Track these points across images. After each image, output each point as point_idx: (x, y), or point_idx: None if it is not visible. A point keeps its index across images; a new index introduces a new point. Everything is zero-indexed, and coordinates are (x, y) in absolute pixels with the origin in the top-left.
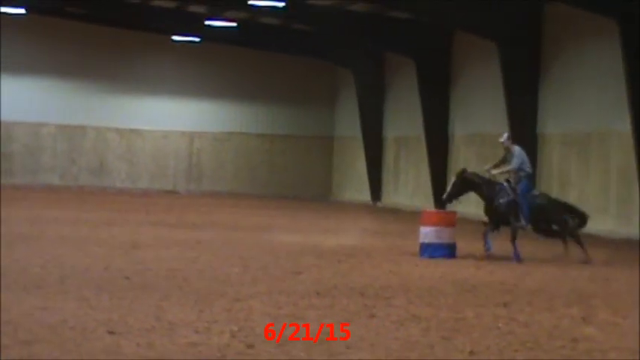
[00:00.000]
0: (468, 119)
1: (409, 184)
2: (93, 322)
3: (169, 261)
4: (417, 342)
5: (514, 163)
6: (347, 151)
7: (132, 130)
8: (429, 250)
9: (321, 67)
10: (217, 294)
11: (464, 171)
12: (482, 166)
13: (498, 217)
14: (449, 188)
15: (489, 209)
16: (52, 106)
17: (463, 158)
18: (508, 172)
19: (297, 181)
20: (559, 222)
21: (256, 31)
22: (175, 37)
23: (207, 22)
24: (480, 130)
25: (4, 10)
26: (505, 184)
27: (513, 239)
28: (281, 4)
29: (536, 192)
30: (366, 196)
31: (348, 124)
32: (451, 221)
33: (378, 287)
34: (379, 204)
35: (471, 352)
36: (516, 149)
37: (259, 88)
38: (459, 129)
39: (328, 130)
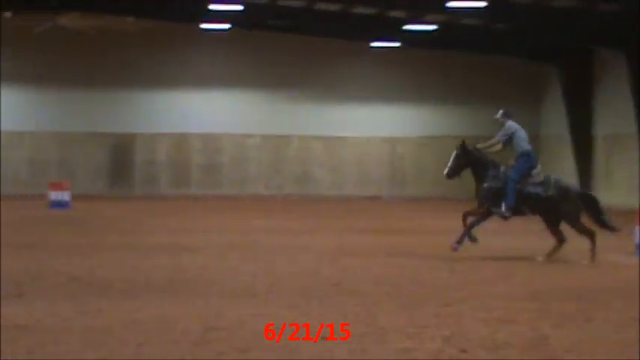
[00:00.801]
0: None
1: (622, 183)
2: (305, 328)
3: (376, 267)
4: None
5: (497, 136)
6: (553, 150)
7: (335, 138)
8: None
9: (524, 66)
10: (426, 299)
11: (464, 143)
12: None
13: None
14: (450, 162)
15: (476, 193)
16: (257, 118)
17: None
18: (492, 146)
19: None
20: (567, 214)
21: (457, 32)
22: (374, 44)
23: (406, 27)
24: None
25: (209, 26)
26: (502, 168)
27: (470, 226)
28: (482, 4)
29: (538, 177)
30: None
31: (555, 123)
32: None
33: (594, 289)
34: None
35: None
36: (509, 124)
37: (461, 90)
38: None
39: (533, 128)
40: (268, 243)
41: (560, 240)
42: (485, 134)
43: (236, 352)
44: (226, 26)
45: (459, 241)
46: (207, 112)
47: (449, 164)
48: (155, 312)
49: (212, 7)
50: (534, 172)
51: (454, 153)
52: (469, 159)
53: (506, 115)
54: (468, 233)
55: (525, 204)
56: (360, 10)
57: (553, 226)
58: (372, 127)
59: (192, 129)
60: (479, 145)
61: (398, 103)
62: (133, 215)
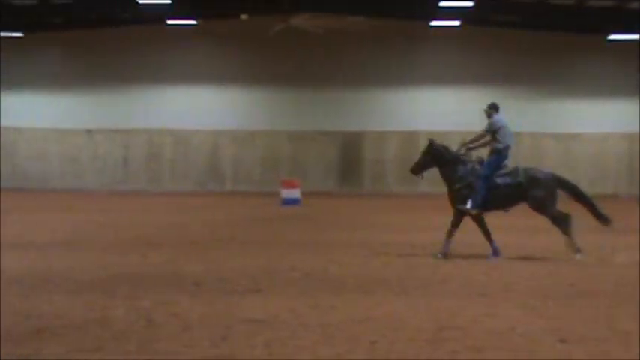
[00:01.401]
0: None
1: None
2: (541, 329)
3: (616, 267)
4: None
5: (484, 129)
6: None
7: (568, 135)
8: None
9: None
10: None
11: (432, 142)
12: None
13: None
14: (418, 158)
15: (449, 196)
16: (482, 114)
17: None
18: (480, 140)
19: None
20: (536, 200)
21: None
22: (611, 37)
23: None
24: None
25: (439, 23)
26: (470, 165)
27: (449, 233)
28: None
29: (506, 169)
30: None
31: None
32: None
33: None
34: None
35: None
36: (495, 119)
37: None
38: None
39: None
40: (499, 241)
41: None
42: None
43: (470, 351)
44: (456, 23)
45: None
46: (436, 109)
47: (416, 161)
48: (388, 309)
49: (442, 3)
50: (503, 163)
51: (423, 149)
52: (436, 158)
53: (494, 108)
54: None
55: (494, 196)
56: (595, 2)
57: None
58: (608, 123)
59: (420, 126)
60: (471, 145)
61: (636, 98)
62: (363, 212)
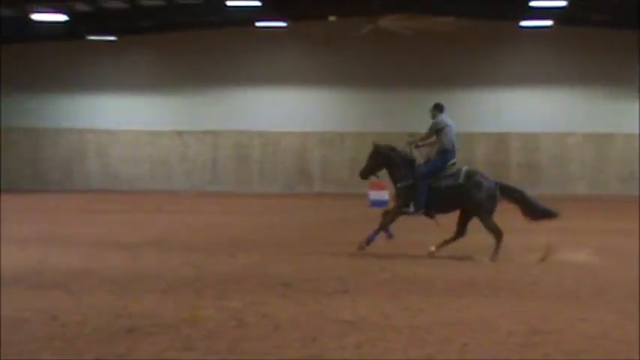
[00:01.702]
0: None
1: None
2: (636, 334)
3: None
4: None
5: (428, 129)
6: None
7: None
8: None
9: None
10: None
11: (376, 146)
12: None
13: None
14: (366, 162)
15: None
16: (579, 116)
17: None
18: (425, 138)
19: None
20: (479, 204)
21: None
22: None
23: None
24: None
25: (529, 24)
26: (416, 165)
27: (384, 225)
28: None
29: (450, 170)
30: None
31: None
32: None
33: None
34: None
35: None
36: (439, 118)
37: None
38: None
39: None
40: (592, 244)
41: (458, 234)
42: None
43: (563, 354)
44: (548, 23)
45: (368, 241)
46: (525, 111)
47: (365, 164)
48: (477, 312)
49: (533, 3)
50: (448, 164)
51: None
52: (382, 160)
53: (438, 109)
54: (382, 231)
55: (438, 198)
56: None
57: (466, 220)
58: None
59: (510, 128)
60: (416, 140)
61: None
62: (451, 214)
